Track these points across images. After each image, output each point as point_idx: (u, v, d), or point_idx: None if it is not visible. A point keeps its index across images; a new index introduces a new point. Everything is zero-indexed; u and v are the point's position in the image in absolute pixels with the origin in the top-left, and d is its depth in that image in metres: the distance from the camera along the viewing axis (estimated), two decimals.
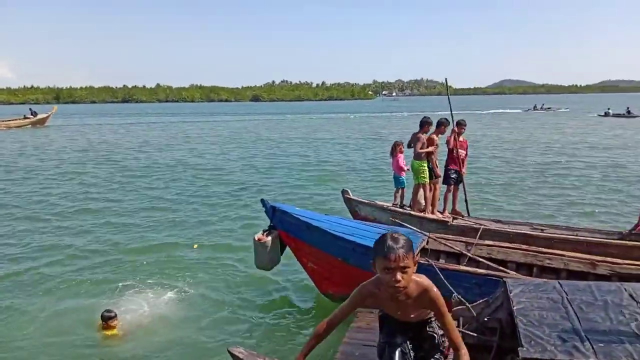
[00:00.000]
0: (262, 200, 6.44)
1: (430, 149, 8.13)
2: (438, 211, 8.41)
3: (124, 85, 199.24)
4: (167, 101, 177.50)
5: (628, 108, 51.37)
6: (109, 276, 7.19)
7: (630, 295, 3.75)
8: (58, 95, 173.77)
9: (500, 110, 71.13)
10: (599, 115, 52.29)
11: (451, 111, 8.79)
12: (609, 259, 5.91)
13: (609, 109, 53.70)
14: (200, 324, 5.79)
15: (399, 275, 2.48)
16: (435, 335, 2.81)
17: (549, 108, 66.50)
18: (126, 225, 9.97)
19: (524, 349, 2.97)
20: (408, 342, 2.74)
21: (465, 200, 8.69)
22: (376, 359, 3.42)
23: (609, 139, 27.29)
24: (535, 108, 66.66)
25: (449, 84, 10.16)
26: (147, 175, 16.20)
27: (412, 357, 2.70)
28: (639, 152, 20.95)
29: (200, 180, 15.27)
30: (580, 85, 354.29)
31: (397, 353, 2.67)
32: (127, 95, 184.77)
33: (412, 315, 2.71)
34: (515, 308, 3.49)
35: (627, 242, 6.73)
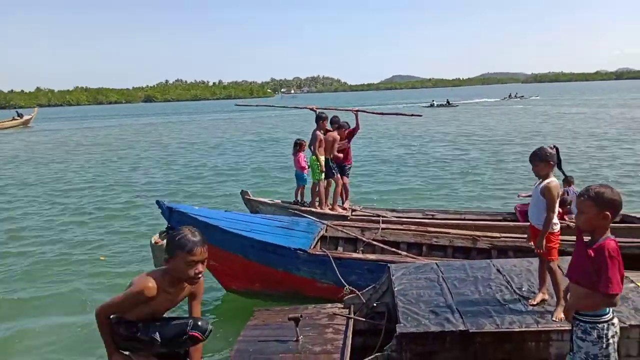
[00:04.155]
0: (158, 202, 6.25)
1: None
2: (339, 205, 8.60)
3: None
4: (49, 105, 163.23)
5: (447, 99, 60.74)
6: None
7: (498, 270, 4.23)
8: None
9: (476, 100, 75.64)
10: (425, 106, 58.87)
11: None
12: (488, 234, 6.50)
13: (433, 100, 63.05)
14: None
15: (201, 267, 2.65)
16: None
17: (522, 96, 74.50)
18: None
19: (401, 325, 3.24)
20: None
21: None
22: (271, 354, 3.54)
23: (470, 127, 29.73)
24: (510, 96, 73.97)
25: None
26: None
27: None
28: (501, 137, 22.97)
29: (84, 192, 14.15)
30: (463, 79, 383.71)
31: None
32: (3, 101, 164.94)
33: (171, 307, 2.83)
34: (396, 289, 3.77)
35: (509, 222, 7.43)
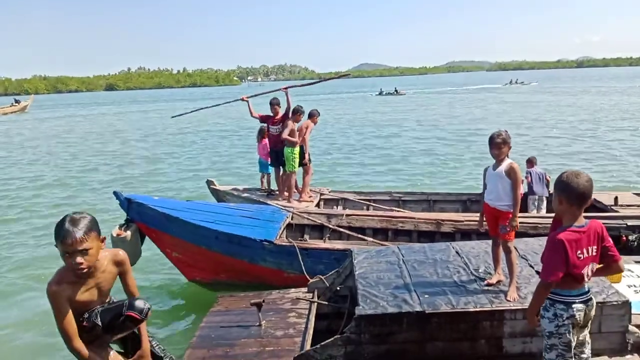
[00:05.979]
0: (115, 193, 6.05)
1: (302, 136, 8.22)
2: (312, 189, 8.54)
3: None
4: (6, 95, 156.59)
5: (395, 88, 63.50)
6: None
7: (457, 252, 4.31)
8: None
9: (480, 86, 77.35)
10: (376, 95, 61.33)
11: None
12: (452, 218, 6.57)
13: (381, 89, 65.56)
14: None
15: (79, 259, 2.42)
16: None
17: (522, 82, 77.35)
18: None
19: (360, 307, 3.29)
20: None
21: None
22: (233, 339, 3.54)
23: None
24: (511, 82, 77.42)
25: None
26: None
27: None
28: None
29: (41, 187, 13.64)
30: (429, 67, 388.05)
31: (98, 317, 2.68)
32: None
33: (104, 292, 2.73)
34: (357, 273, 3.81)
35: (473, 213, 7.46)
